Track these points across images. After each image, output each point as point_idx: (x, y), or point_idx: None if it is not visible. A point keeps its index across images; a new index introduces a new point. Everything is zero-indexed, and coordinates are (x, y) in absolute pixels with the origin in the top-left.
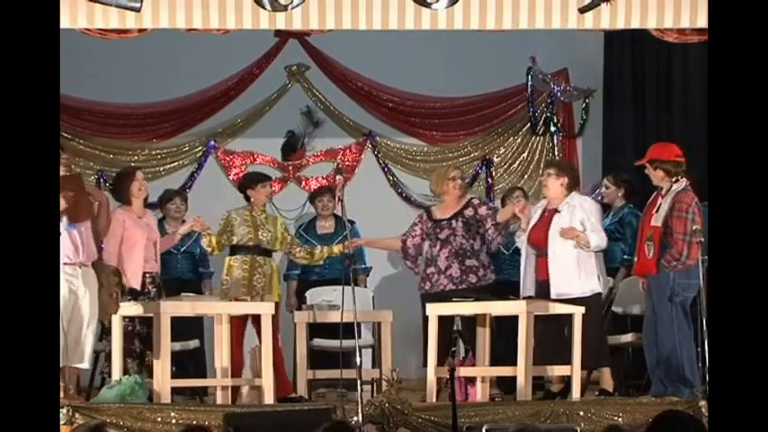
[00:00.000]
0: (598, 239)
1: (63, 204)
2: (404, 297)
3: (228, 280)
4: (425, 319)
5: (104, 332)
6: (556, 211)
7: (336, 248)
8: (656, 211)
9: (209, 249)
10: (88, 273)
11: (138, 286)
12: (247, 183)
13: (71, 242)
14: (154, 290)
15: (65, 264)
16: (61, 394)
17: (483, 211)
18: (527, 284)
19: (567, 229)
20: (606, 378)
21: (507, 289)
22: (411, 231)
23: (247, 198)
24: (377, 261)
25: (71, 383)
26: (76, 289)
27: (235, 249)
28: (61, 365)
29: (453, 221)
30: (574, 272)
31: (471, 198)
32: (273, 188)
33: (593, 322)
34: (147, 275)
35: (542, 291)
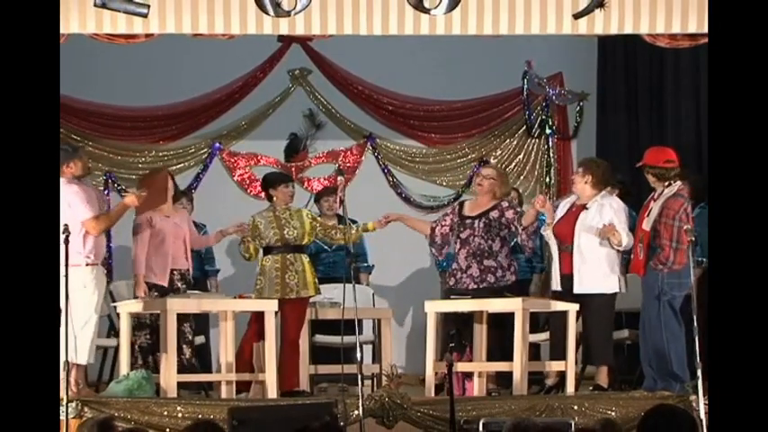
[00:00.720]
0: (628, 239)
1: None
2: (404, 295)
3: (262, 280)
4: (445, 315)
5: (113, 328)
6: (584, 207)
7: (371, 225)
8: (648, 215)
9: (246, 256)
10: (100, 271)
11: (165, 283)
12: (270, 183)
13: (95, 244)
14: (183, 286)
15: (91, 263)
16: (73, 389)
17: (510, 214)
18: (554, 279)
19: (609, 228)
20: (603, 375)
21: (523, 287)
22: (441, 220)
23: (270, 198)
24: (378, 259)
25: (80, 378)
26: (101, 288)
27: (266, 250)
28: (70, 361)
29: (476, 221)
30: (599, 268)
31: (501, 200)
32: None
33: (607, 320)
34: (176, 272)
35: (566, 285)
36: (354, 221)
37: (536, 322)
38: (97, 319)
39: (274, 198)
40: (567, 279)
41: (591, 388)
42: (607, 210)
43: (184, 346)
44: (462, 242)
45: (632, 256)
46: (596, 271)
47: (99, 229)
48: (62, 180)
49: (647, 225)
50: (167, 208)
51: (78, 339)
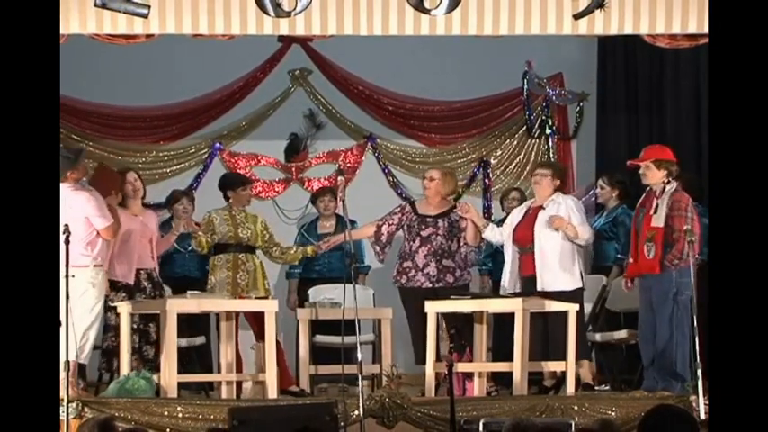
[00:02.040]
0: (588, 232)
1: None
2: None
3: (213, 280)
4: (411, 313)
5: (106, 329)
6: (541, 208)
7: (310, 249)
8: (655, 213)
9: (198, 249)
10: (100, 272)
11: (131, 281)
12: (228, 184)
13: (101, 246)
14: (150, 286)
15: (97, 265)
16: (72, 389)
17: (463, 224)
18: (508, 281)
19: (556, 217)
20: (585, 371)
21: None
22: (389, 219)
23: (226, 198)
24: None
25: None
26: (102, 289)
27: (217, 249)
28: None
29: (439, 221)
30: (559, 266)
31: (454, 206)
32: (276, 190)
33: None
34: (143, 272)
35: (527, 286)
36: (353, 222)
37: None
38: (97, 320)
39: (231, 199)
40: (529, 280)
41: (581, 388)
42: (563, 208)
43: (147, 346)
44: (423, 240)
45: (632, 259)
46: (557, 269)
47: (115, 234)
48: (67, 186)
49: (657, 222)
50: (136, 208)
51: (84, 339)
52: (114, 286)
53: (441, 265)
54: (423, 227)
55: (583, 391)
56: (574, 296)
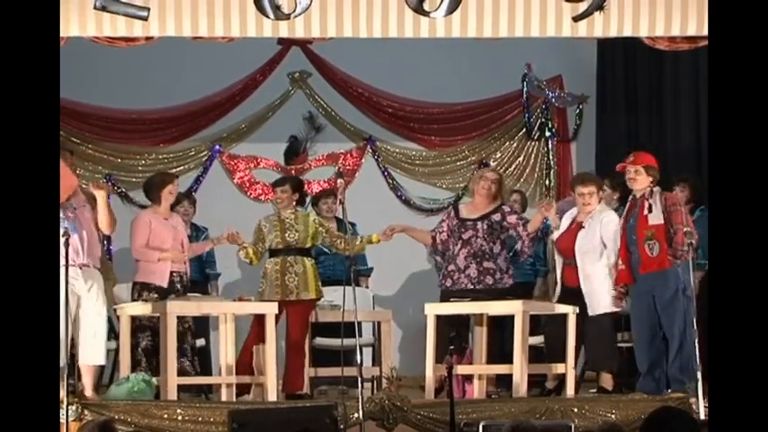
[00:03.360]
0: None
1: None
2: (403, 297)
3: (264, 282)
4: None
5: (112, 331)
6: (581, 225)
7: (375, 237)
8: (650, 212)
9: (246, 261)
10: (92, 273)
11: (165, 284)
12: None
13: (71, 245)
14: (181, 288)
15: (96, 266)
16: (89, 393)
17: (512, 219)
18: (556, 289)
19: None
20: (606, 378)
21: (527, 290)
22: (439, 228)
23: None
24: (377, 262)
25: (88, 381)
26: (78, 290)
27: (270, 253)
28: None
29: (479, 223)
30: (605, 289)
31: (502, 205)
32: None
33: (609, 327)
34: (175, 274)
35: (567, 295)
36: (353, 224)
37: (537, 325)
38: (106, 320)
39: (277, 200)
40: (570, 291)
41: (594, 390)
42: (600, 228)
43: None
44: (464, 243)
45: (623, 265)
46: (604, 292)
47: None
48: None
49: (655, 220)
50: (164, 211)
51: (96, 340)
52: (147, 288)
53: (481, 267)
54: (463, 230)
55: (583, 394)
56: (611, 313)
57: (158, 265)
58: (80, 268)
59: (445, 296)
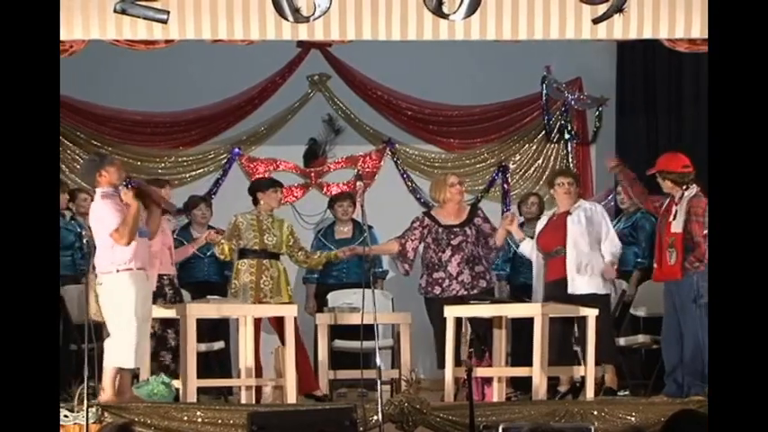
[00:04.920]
0: (618, 250)
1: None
2: (422, 299)
3: (237, 284)
4: (438, 321)
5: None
6: (567, 213)
7: (333, 254)
8: (674, 219)
9: (221, 257)
10: (141, 276)
11: (153, 288)
12: (258, 187)
13: (125, 250)
14: (171, 292)
15: (123, 269)
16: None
17: (487, 228)
18: (538, 289)
19: (608, 270)
20: (610, 376)
21: (527, 292)
22: (410, 235)
23: (255, 201)
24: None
25: (124, 383)
26: (135, 293)
27: (242, 253)
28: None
29: (467, 228)
30: (594, 270)
31: (478, 209)
32: (295, 195)
33: (607, 320)
34: (165, 278)
35: (553, 290)
36: (371, 227)
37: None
38: (137, 323)
39: (261, 202)
40: (555, 284)
41: (602, 392)
42: (595, 215)
43: (164, 351)
44: (455, 248)
45: (656, 264)
46: (591, 273)
47: (126, 238)
48: (97, 192)
49: (676, 228)
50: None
51: (120, 343)
52: None
53: (473, 272)
54: (452, 236)
55: (603, 396)
56: (604, 300)
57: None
58: (136, 270)
59: (435, 304)
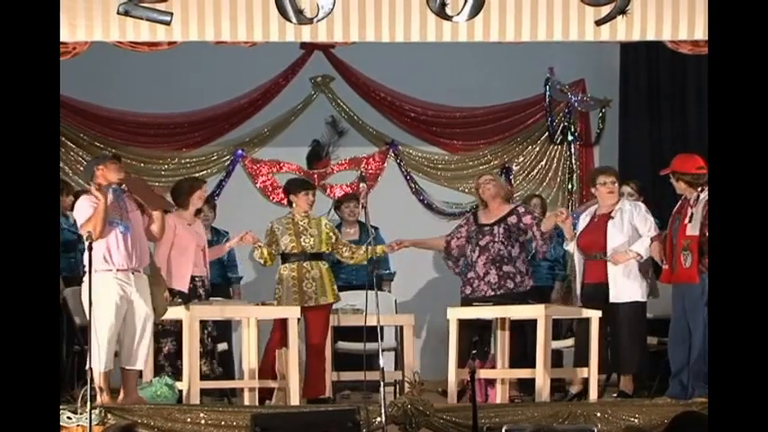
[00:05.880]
0: (648, 248)
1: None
2: (426, 301)
3: (280, 289)
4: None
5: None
6: (609, 216)
7: (380, 249)
8: (689, 221)
9: (261, 262)
10: (141, 278)
11: (186, 289)
12: (290, 188)
13: (124, 248)
14: (203, 292)
15: (117, 270)
16: (102, 397)
17: (527, 220)
18: (577, 290)
19: (620, 256)
20: (627, 381)
21: (544, 294)
22: (456, 233)
23: (290, 203)
24: (400, 266)
25: (129, 384)
26: (129, 294)
27: (284, 258)
28: (106, 369)
29: (495, 228)
30: (632, 276)
31: (517, 206)
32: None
33: (639, 328)
34: (197, 279)
35: (592, 293)
36: (376, 228)
37: (558, 329)
38: (111, 325)
39: (294, 204)
40: (594, 288)
41: (615, 395)
42: (635, 217)
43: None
44: (482, 249)
45: (666, 265)
46: (630, 279)
47: (94, 231)
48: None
49: (692, 230)
50: (189, 216)
51: (94, 345)
52: (171, 293)
53: (501, 272)
54: (480, 236)
55: (606, 398)
56: (642, 308)
57: (180, 269)
58: (132, 273)
59: (466, 304)
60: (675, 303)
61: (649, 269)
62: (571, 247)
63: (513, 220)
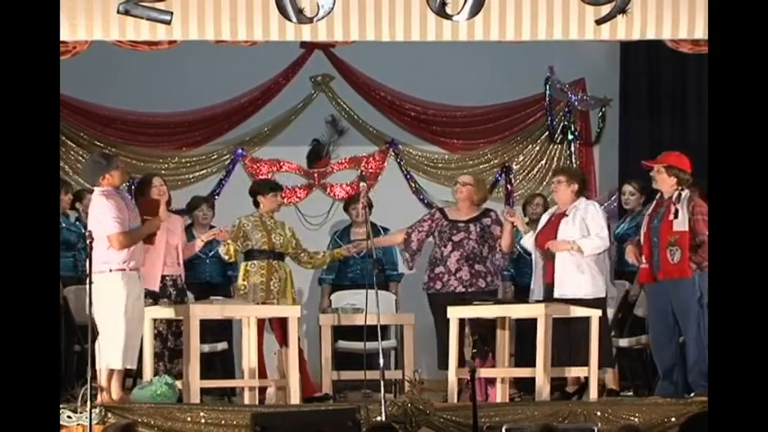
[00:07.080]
0: (592, 246)
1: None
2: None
3: (246, 285)
4: (438, 317)
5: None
6: (564, 215)
7: (337, 252)
8: (674, 217)
9: (226, 257)
10: (134, 278)
11: (156, 288)
12: (259, 189)
13: (134, 248)
14: (174, 292)
15: (116, 270)
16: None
17: (497, 231)
18: (536, 289)
19: (558, 243)
20: (610, 378)
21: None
22: (418, 226)
23: (256, 204)
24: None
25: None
26: (138, 293)
27: (250, 255)
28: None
29: (471, 225)
30: (582, 273)
31: (491, 211)
32: (299, 196)
33: (604, 324)
34: (168, 278)
35: (550, 293)
36: (387, 229)
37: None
38: (125, 323)
39: (261, 205)
40: (551, 286)
41: (605, 393)
42: (582, 215)
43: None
44: (455, 244)
45: (646, 264)
46: (579, 275)
47: (123, 245)
48: (96, 190)
49: (680, 226)
50: (162, 213)
51: (109, 344)
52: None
53: (473, 270)
54: (454, 231)
55: (606, 397)
56: (595, 304)
57: (149, 269)
58: (129, 271)
59: (436, 299)
60: (656, 302)
61: (604, 268)
62: (529, 243)
63: (487, 221)
